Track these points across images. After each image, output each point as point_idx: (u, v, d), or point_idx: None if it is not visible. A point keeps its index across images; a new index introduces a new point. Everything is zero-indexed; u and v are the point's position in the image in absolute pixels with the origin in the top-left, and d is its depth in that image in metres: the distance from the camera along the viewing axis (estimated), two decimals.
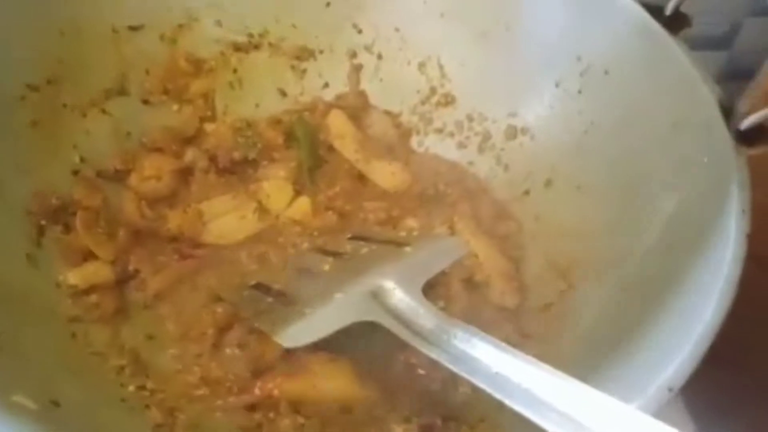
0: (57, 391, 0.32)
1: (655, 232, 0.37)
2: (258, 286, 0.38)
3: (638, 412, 0.25)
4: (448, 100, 0.51)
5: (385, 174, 0.48)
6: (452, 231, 0.44)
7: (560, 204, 0.45)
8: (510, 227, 0.46)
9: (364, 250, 0.39)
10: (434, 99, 0.52)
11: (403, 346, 0.33)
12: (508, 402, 0.27)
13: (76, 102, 0.44)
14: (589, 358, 0.32)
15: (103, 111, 0.45)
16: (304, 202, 0.45)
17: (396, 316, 0.33)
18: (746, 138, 0.36)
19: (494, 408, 0.30)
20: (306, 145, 0.48)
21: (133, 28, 0.46)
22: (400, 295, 0.34)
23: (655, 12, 0.41)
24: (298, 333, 0.33)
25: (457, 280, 0.41)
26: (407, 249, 0.37)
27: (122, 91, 0.46)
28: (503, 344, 0.30)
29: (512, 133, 0.49)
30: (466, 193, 0.47)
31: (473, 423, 0.34)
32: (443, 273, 0.40)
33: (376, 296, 0.34)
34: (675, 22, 0.41)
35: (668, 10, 0.41)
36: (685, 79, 0.39)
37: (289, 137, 0.48)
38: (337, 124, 0.49)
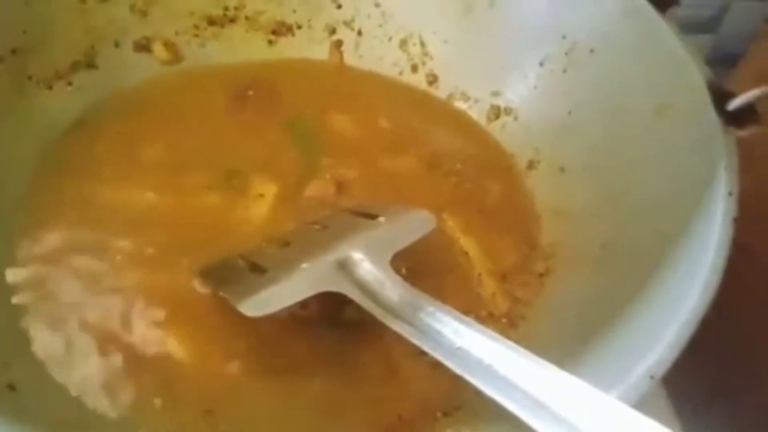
0: (13, 375, 0.31)
1: (639, 215, 0.36)
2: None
3: (606, 396, 0.25)
4: (430, 79, 0.50)
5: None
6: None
7: (542, 186, 0.43)
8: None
9: (338, 221, 0.38)
10: (416, 77, 0.50)
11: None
12: (466, 376, 0.27)
13: (42, 74, 0.42)
14: (568, 344, 0.31)
15: (70, 84, 0.44)
16: None
17: (362, 287, 0.32)
18: (735, 119, 0.34)
19: (472, 396, 0.29)
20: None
21: None
22: (367, 267, 0.33)
23: None
24: (261, 302, 0.32)
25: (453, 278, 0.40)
26: (379, 220, 0.36)
27: (90, 64, 0.44)
28: (468, 319, 0.29)
29: (495, 113, 0.47)
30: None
31: (449, 410, 0.33)
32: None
33: (343, 267, 0.33)
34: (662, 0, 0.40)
35: None
36: (673, 58, 0.38)
37: None
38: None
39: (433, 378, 0.34)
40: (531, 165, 0.45)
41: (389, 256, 0.34)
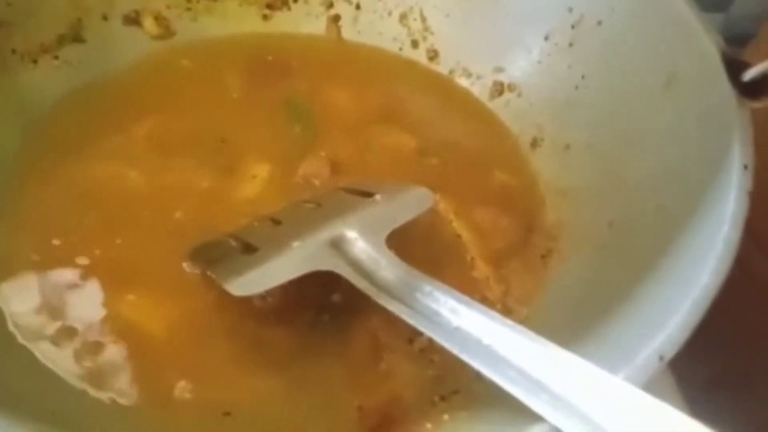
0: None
1: (647, 191, 0.34)
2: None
3: (611, 376, 0.23)
4: (431, 55, 0.48)
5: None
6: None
7: (547, 165, 0.42)
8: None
9: (332, 199, 0.36)
10: (417, 53, 0.48)
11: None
12: (465, 358, 0.26)
13: (26, 48, 0.41)
14: (575, 325, 0.30)
15: (56, 58, 0.42)
16: None
17: (356, 266, 0.31)
18: (750, 91, 0.33)
19: (470, 379, 0.28)
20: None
21: None
22: (362, 245, 0.32)
23: None
24: (250, 282, 0.30)
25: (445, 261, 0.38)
26: (375, 198, 0.34)
27: (77, 38, 0.43)
28: (466, 298, 0.28)
29: (498, 89, 0.46)
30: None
31: (445, 394, 0.31)
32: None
33: (337, 245, 0.32)
34: None
35: None
36: (684, 28, 0.36)
37: None
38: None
39: (422, 362, 0.33)
40: (535, 143, 0.43)
41: (385, 234, 0.32)
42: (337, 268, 0.31)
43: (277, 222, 0.35)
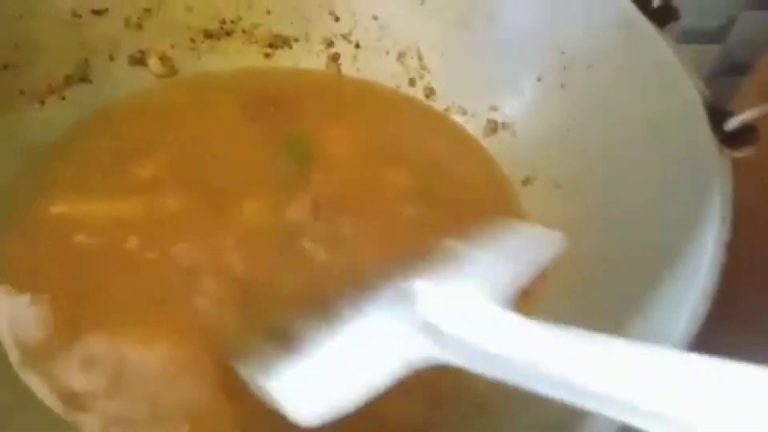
0: None
1: (630, 234, 0.35)
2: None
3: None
4: (428, 93, 0.49)
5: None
6: None
7: (538, 202, 0.43)
8: None
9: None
10: (414, 91, 0.50)
11: None
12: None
13: (34, 89, 0.42)
14: None
15: (63, 98, 0.43)
16: None
17: None
18: (731, 140, 0.34)
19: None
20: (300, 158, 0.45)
21: (96, 12, 0.44)
22: None
23: (643, 3, 0.39)
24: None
25: None
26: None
27: (84, 78, 0.44)
28: None
29: (492, 127, 0.47)
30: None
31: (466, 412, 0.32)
32: None
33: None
34: (662, 15, 0.39)
35: (656, 1, 0.39)
36: (669, 75, 0.37)
37: None
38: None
39: (408, 400, 0.34)
40: (527, 181, 0.44)
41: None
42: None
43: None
